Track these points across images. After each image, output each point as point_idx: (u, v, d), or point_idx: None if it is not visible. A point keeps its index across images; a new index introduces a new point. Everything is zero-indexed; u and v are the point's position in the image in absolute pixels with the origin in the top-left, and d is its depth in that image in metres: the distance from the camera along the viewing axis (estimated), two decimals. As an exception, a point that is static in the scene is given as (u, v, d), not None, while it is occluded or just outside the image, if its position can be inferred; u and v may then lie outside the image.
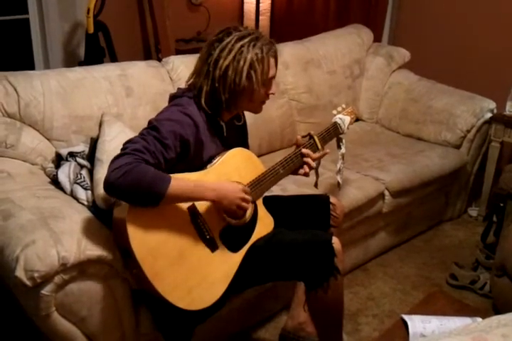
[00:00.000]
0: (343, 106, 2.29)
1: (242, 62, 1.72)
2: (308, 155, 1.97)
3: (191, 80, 1.83)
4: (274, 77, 1.84)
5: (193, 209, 1.69)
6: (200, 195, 1.64)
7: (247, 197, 1.73)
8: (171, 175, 1.61)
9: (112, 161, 1.56)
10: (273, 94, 1.87)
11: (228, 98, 1.76)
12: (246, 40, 1.74)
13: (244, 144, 2.04)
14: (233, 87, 1.74)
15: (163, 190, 1.54)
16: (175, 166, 1.69)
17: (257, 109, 1.89)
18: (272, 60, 1.80)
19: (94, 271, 1.64)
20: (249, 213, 1.84)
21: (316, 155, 2.00)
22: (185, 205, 1.68)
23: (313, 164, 1.98)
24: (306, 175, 1.99)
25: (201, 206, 1.71)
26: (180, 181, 1.60)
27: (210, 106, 1.77)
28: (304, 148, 1.99)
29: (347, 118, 2.21)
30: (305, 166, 1.98)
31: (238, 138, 2.00)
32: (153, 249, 1.59)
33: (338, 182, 2.28)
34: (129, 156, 1.54)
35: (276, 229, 1.91)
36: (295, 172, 2.00)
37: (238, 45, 1.72)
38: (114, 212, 1.66)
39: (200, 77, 1.78)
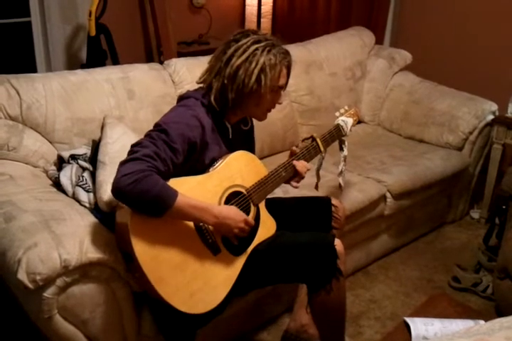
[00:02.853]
0: (346, 108, 2.28)
1: (253, 65, 1.72)
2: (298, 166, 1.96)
3: (204, 77, 1.84)
4: (284, 87, 1.85)
5: None
6: (201, 218, 1.64)
7: (246, 228, 1.73)
8: (176, 179, 1.62)
9: (122, 164, 1.55)
10: (280, 103, 1.88)
11: (235, 98, 1.76)
12: (262, 44, 1.75)
13: (250, 149, 2.03)
14: (241, 88, 1.74)
15: (168, 205, 1.54)
16: (179, 167, 1.69)
17: (261, 116, 1.89)
18: (284, 70, 1.80)
19: (96, 274, 1.64)
20: (251, 216, 1.83)
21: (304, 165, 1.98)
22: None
23: (304, 171, 1.97)
24: (296, 187, 2.00)
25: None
26: (187, 200, 1.59)
27: (218, 104, 1.78)
28: (299, 153, 1.98)
29: (350, 120, 2.21)
30: (293, 183, 1.98)
31: (244, 143, 1.98)
32: (156, 253, 1.58)
33: (340, 184, 2.28)
34: (140, 162, 1.54)
35: (278, 232, 1.91)
36: (288, 182, 1.99)
37: (253, 47, 1.74)
38: (116, 216, 1.66)
39: (212, 74, 1.79)
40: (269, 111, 1.89)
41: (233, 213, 1.70)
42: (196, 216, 1.62)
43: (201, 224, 1.70)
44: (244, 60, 1.73)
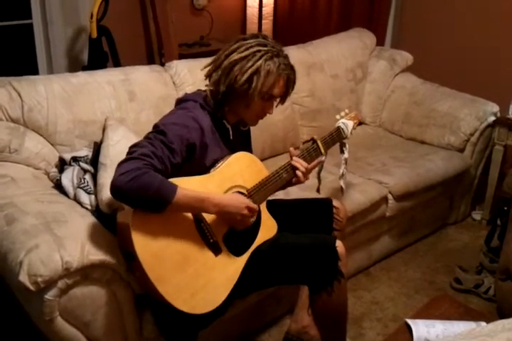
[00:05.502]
0: (346, 111, 2.28)
1: (249, 64, 1.74)
2: (299, 165, 1.94)
3: (208, 68, 1.85)
4: (278, 97, 1.84)
5: (197, 213, 1.70)
6: (203, 209, 1.65)
7: (249, 214, 1.74)
8: (177, 179, 1.62)
9: (119, 165, 1.56)
10: (270, 113, 1.88)
11: (225, 91, 1.77)
12: (266, 48, 1.77)
13: (248, 150, 2.03)
14: (232, 83, 1.75)
15: (168, 199, 1.54)
16: (179, 169, 1.69)
17: (250, 120, 1.90)
18: (281, 81, 1.80)
19: (97, 276, 1.64)
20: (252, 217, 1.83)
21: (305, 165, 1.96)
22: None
23: (302, 169, 1.94)
24: (298, 182, 1.97)
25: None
26: (186, 192, 1.60)
27: (212, 97, 1.80)
28: (300, 155, 1.98)
29: (350, 123, 2.21)
30: (294, 178, 1.96)
31: (243, 143, 2.00)
32: (157, 252, 1.59)
33: (341, 187, 2.28)
34: (137, 161, 1.55)
35: (279, 233, 1.91)
36: (289, 184, 1.98)
37: (256, 48, 1.76)
38: (117, 217, 1.67)
39: (213, 67, 1.82)
40: (260, 117, 1.89)
41: (235, 199, 1.71)
42: (198, 207, 1.64)
43: (202, 224, 1.70)
44: (242, 57, 1.74)
